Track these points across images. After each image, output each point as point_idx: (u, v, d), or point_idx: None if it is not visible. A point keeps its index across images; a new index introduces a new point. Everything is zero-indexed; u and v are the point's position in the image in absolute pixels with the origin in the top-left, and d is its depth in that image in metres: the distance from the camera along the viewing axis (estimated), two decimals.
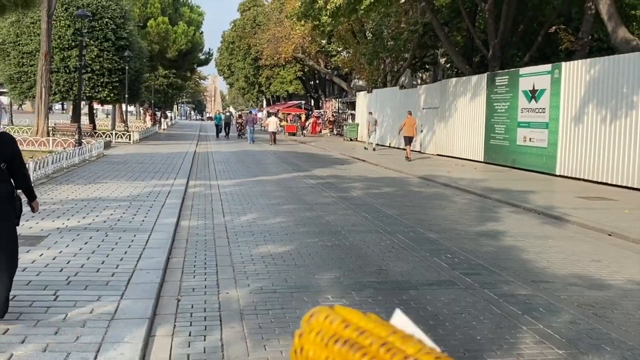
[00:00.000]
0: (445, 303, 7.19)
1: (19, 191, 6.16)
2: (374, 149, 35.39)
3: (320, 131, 58.77)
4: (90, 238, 9.72)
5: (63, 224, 10.81)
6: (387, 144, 40.68)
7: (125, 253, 8.88)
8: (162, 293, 7.32)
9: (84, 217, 11.50)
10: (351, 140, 46.73)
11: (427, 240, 10.73)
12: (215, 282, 7.87)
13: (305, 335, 0.74)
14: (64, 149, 22.93)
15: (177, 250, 9.51)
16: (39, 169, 16.62)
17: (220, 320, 6.44)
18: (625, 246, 10.90)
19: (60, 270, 7.83)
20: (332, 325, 0.73)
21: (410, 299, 7.35)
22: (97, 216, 11.68)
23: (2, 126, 6.44)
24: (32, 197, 6.43)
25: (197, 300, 7.10)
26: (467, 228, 12.16)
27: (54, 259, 8.39)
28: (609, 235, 11.76)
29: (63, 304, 6.50)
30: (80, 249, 9.03)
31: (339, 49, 53.07)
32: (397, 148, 38.34)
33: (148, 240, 9.76)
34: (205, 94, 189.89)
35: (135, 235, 10.06)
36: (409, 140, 29.26)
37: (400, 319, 0.76)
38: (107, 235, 9.96)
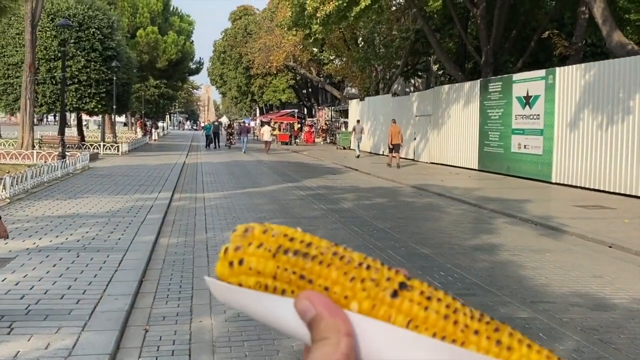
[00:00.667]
0: None
1: None
2: (358, 156, 36.17)
3: (314, 140, 58.31)
4: (60, 259, 9.13)
5: (34, 243, 10.21)
6: (381, 152, 40.21)
7: (95, 276, 8.29)
8: (129, 322, 6.74)
9: (57, 236, 10.91)
10: (344, 148, 46.32)
11: (419, 256, 10.17)
12: (189, 308, 7.29)
13: (245, 248, 0.70)
14: (45, 162, 22.31)
15: (152, 272, 8.93)
16: (17, 184, 16.00)
17: (190, 355, 5.86)
18: (627, 259, 10.36)
19: (22, 298, 7.25)
20: (275, 238, 0.70)
21: None
22: (71, 234, 11.09)
23: None
24: None
25: (166, 331, 6.51)
26: (462, 242, 11.60)
27: (16, 284, 7.81)
28: (610, 247, 11.23)
29: (17, 338, 5.93)
30: (48, 272, 8.44)
31: (331, 57, 52.65)
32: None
33: (121, 261, 9.18)
34: (198, 103, 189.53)
35: (108, 256, 9.47)
36: (397, 147, 29.75)
37: None
38: (78, 256, 9.37)
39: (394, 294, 0.64)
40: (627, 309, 7.51)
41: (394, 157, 29.80)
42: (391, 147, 29.94)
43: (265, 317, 0.70)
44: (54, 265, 8.78)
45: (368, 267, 0.67)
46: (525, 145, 23.34)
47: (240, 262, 0.70)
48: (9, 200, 15.07)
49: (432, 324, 0.62)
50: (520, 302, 7.67)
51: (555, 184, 21.30)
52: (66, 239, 10.73)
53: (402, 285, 0.65)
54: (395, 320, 0.63)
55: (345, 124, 53.72)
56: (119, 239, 10.85)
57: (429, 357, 0.60)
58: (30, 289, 7.63)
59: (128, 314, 6.94)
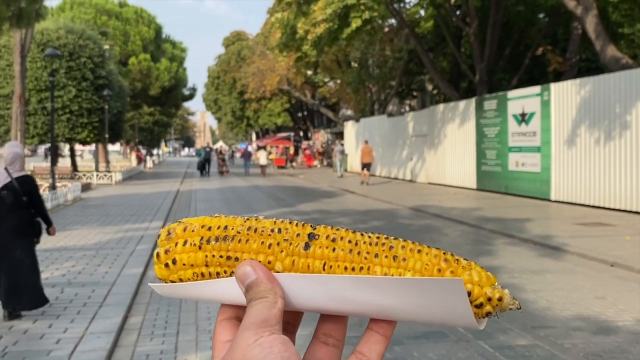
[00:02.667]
0: None
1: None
2: (341, 176, 38.70)
3: (313, 163, 58.07)
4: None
5: None
6: (378, 174, 40.02)
7: (78, 313, 7.98)
8: None
9: (42, 271, 10.56)
10: (345, 171, 46.21)
11: None
12: (174, 345, 6.97)
13: (173, 249, 0.77)
14: None
15: (138, 307, 8.60)
16: None
17: None
18: (630, 278, 10.05)
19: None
20: (195, 232, 0.77)
21: (394, 357, 6.45)
22: (57, 269, 10.77)
23: (22, 170, 7.93)
24: (49, 224, 8.26)
25: None
26: None
27: None
28: (611, 266, 10.93)
29: None
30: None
31: (325, 80, 52.55)
32: (388, 177, 37.74)
33: (107, 296, 8.86)
34: (194, 129, 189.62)
35: (94, 291, 9.15)
36: (367, 166, 32.40)
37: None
38: (62, 292, 9.05)
39: (306, 246, 0.74)
40: (631, 332, 7.20)
41: (365, 174, 32.21)
42: (362, 165, 32.60)
43: (210, 297, 0.77)
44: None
45: (279, 231, 0.75)
46: (522, 163, 23.09)
47: (174, 262, 0.77)
48: None
49: (342, 259, 0.72)
50: (520, 328, 7.35)
51: (555, 201, 21.03)
52: (51, 273, 10.41)
53: (311, 236, 0.75)
54: (313, 266, 0.73)
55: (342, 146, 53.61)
56: (106, 272, 10.54)
57: (337, 290, 0.70)
58: (10, 329, 7.32)
59: (110, 353, 6.62)
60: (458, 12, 30.82)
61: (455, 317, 0.69)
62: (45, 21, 32.04)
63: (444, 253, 0.71)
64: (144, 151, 73.00)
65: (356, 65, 44.67)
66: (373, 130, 41.29)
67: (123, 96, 42.46)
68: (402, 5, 35.34)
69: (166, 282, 0.79)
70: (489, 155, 25.66)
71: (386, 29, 39.52)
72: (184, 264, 0.77)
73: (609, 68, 19.60)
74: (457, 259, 0.71)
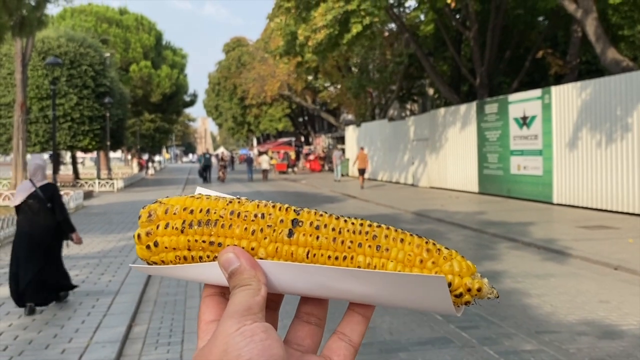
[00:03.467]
0: None
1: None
2: (338, 180, 39.94)
3: (320, 168, 57.92)
4: (48, 305, 8.81)
5: None
6: (379, 179, 40.03)
7: (82, 322, 7.98)
8: None
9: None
10: (342, 175, 46.09)
11: None
12: (179, 354, 6.96)
13: (155, 231, 0.77)
14: None
15: (143, 315, 8.60)
16: (6, 227, 15.66)
17: None
18: (634, 281, 10.04)
19: (5, 349, 6.94)
20: (177, 215, 0.77)
21: None
22: None
23: (44, 179, 8.73)
24: (70, 229, 8.84)
25: None
26: None
27: (0, 334, 7.48)
28: (615, 269, 10.91)
29: None
30: (34, 320, 8.15)
31: (325, 85, 52.56)
32: (389, 182, 37.73)
33: (111, 305, 8.86)
34: (195, 135, 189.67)
35: (97, 300, 9.16)
36: (362, 171, 34.09)
37: (204, 191, 0.85)
38: (66, 302, 9.05)
39: (290, 234, 0.74)
40: (636, 336, 7.19)
41: (361, 179, 33.87)
42: (358, 170, 34.58)
43: (193, 279, 0.77)
44: (40, 312, 8.48)
45: (263, 216, 0.76)
46: (524, 167, 23.08)
47: (156, 244, 0.77)
48: None
49: (325, 247, 0.73)
50: (525, 333, 7.34)
51: (557, 204, 21.01)
52: None
53: (295, 223, 0.75)
54: (297, 254, 0.74)
55: (343, 150, 53.57)
56: (110, 280, 10.54)
57: (320, 279, 0.72)
58: (15, 339, 7.32)
59: None
60: (458, 16, 30.84)
61: (434, 306, 0.71)
62: (46, 29, 32.10)
63: (426, 242, 0.73)
64: (145, 157, 73.03)
65: (356, 70, 44.67)
66: (374, 135, 41.30)
67: (124, 103, 42.51)
68: (401, 10, 35.35)
69: (149, 263, 0.79)
70: (490, 158, 25.65)
71: (386, 34, 39.55)
72: (165, 247, 0.76)
73: (609, 70, 19.60)
74: (439, 249, 0.73)
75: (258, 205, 0.77)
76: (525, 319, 7.94)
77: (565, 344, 6.90)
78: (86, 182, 35.98)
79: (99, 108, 36.00)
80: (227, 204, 0.77)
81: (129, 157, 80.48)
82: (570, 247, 12.82)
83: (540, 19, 31.25)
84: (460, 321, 7.87)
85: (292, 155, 61.09)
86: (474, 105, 27.23)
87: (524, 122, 22.89)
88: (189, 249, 0.76)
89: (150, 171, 60.81)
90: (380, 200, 25.63)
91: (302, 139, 72.77)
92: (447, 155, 29.98)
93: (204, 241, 0.75)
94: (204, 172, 45.07)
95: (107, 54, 39.33)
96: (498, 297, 0.74)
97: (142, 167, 60.24)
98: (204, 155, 46.74)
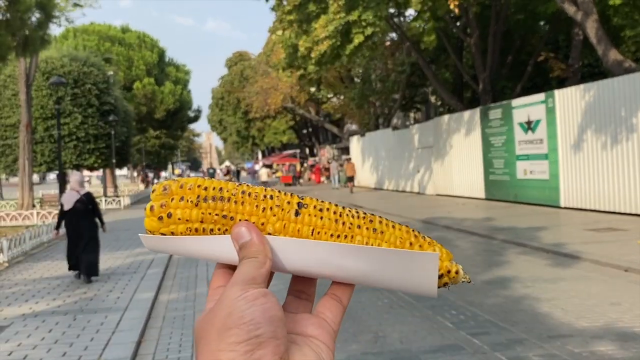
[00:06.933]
0: None
1: None
2: (337, 188, 44.09)
3: (320, 180, 58.02)
4: (57, 324, 8.80)
5: (30, 308, 9.89)
6: (385, 188, 40.00)
7: (91, 340, 7.95)
8: None
9: (54, 299, 10.57)
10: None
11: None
12: None
13: (169, 203, 0.80)
14: (44, 222, 22.01)
15: (151, 331, 8.56)
16: (15, 247, 15.66)
17: None
18: None
19: None
20: (192, 190, 0.81)
21: None
22: (69, 296, 10.76)
23: (84, 188, 12.40)
24: (103, 223, 12.68)
25: None
26: (473, 277, 11.18)
27: (9, 354, 7.47)
28: (625, 271, 10.84)
29: None
30: (43, 338, 8.11)
31: (328, 96, 52.59)
32: (396, 191, 37.67)
33: (120, 321, 8.83)
34: (200, 151, 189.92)
35: (106, 317, 9.13)
36: (351, 179, 40.41)
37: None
38: (75, 320, 9.03)
39: (297, 213, 0.80)
40: None
41: (350, 185, 40.37)
42: (347, 178, 41.13)
43: (199, 253, 0.81)
44: (49, 331, 8.46)
45: (271, 197, 0.81)
46: (531, 171, 23.00)
47: (169, 215, 0.80)
48: (7, 265, 14.76)
49: (328, 227, 0.79)
50: (536, 338, 7.28)
51: (565, 208, 20.92)
52: (64, 301, 10.40)
53: (300, 205, 0.81)
54: (302, 231, 0.79)
55: (348, 160, 53.57)
56: (118, 297, 10.51)
57: (323, 254, 0.78)
58: (24, 358, 7.29)
59: None
60: (458, 23, 30.85)
61: (419, 285, 0.77)
62: (49, 50, 32.24)
63: (413, 230, 0.81)
64: (151, 174, 73.17)
65: (359, 80, 44.70)
66: (378, 144, 41.29)
67: (129, 121, 42.61)
68: (402, 19, 35.37)
69: (155, 235, 0.82)
70: (496, 164, 25.57)
71: (387, 43, 39.56)
72: (179, 219, 0.80)
73: (612, 72, 19.55)
74: (424, 236, 0.81)
75: (265, 189, 0.82)
76: (536, 324, 7.88)
77: (578, 348, 6.84)
78: None
79: (104, 126, 36.10)
80: (237, 186, 0.82)
81: (135, 174, 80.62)
82: (579, 251, 12.75)
83: (541, 23, 31.22)
84: (471, 327, 7.82)
85: (298, 167, 61.11)
86: (477, 111, 27.18)
87: (529, 126, 22.83)
88: (201, 222, 0.80)
89: None
90: (387, 209, 25.57)
91: (307, 150, 72.78)
92: (453, 162, 29.92)
93: (217, 214, 0.80)
94: None
95: (111, 72, 39.42)
96: (470, 281, 0.81)
97: (148, 183, 60.33)
98: (208, 170, 48.41)
